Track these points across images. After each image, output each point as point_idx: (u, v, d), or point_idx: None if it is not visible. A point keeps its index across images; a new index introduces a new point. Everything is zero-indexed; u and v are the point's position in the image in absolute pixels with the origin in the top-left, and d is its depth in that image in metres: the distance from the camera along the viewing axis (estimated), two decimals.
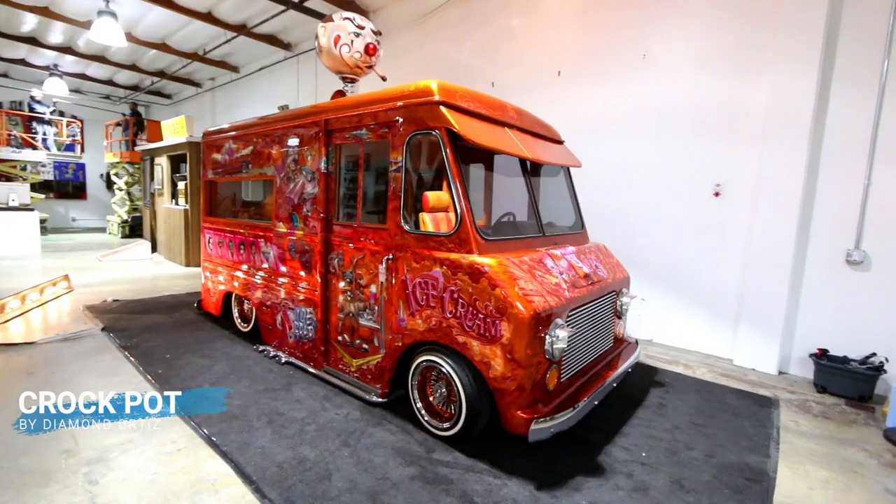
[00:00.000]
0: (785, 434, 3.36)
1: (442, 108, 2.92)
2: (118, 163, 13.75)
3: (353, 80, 5.10)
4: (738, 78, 4.80)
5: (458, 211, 2.84)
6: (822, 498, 2.64)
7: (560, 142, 4.38)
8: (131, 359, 4.17)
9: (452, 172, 2.87)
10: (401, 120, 3.11)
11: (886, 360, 4.03)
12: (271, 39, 10.14)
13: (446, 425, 2.98)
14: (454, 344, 2.85)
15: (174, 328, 5.15)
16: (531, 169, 3.76)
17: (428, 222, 3.09)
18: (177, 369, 3.97)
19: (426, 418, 3.10)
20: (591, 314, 3.29)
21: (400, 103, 3.11)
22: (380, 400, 3.41)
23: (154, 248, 10.86)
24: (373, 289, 3.42)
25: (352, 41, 4.77)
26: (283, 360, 4.20)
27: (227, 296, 5.19)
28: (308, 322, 3.99)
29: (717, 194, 5.04)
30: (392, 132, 3.20)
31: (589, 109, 5.85)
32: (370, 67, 5.07)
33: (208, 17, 9.17)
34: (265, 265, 4.45)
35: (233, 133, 4.88)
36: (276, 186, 4.24)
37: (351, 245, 3.56)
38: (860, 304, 4.28)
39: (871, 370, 4.03)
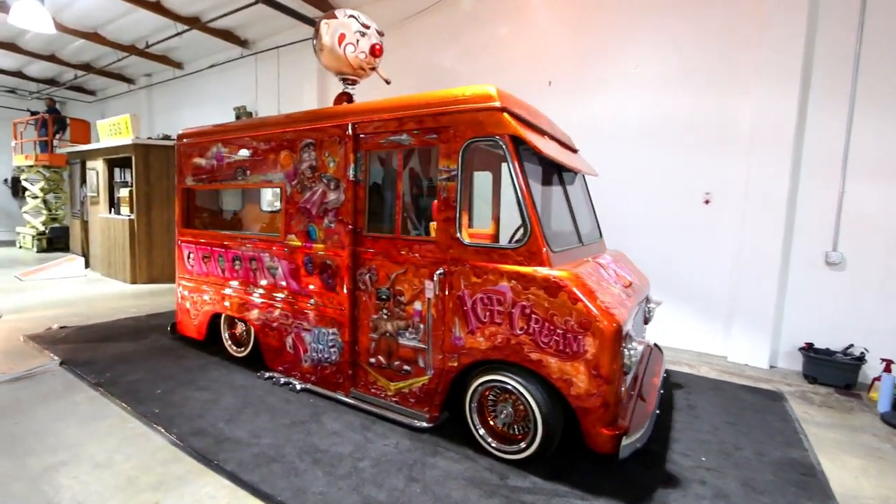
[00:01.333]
0: (806, 426, 3.60)
1: (506, 114, 2.79)
2: (31, 166, 11.94)
3: (354, 82, 4.80)
4: (726, 93, 5.15)
5: (528, 222, 2.72)
6: (868, 486, 2.83)
7: (576, 150, 4.41)
8: (113, 398, 3.54)
9: (520, 182, 2.75)
10: (455, 126, 2.93)
11: (867, 350, 4.49)
12: (227, 35, 9.37)
13: (515, 448, 2.83)
14: (526, 362, 2.71)
15: (151, 357, 4.48)
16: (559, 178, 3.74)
17: (431, 231, 3.04)
18: (176, 406, 3.43)
19: (493, 444, 2.92)
20: (635, 323, 3.31)
21: (455, 108, 2.93)
22: (427, 425, 3.17)
23: (87, 264, 9.52)
24: (417, 306, 3.18)
25: (357, 40, 4.49)
26: (299, 387, 3.79)
27: (215, 317, 4.62)
28: (330, 344, 3.64)
29: (707, 202, 5.37)
30: (442, 138, 3.00)
31: (581, 118, 5.99)
32: (373, 69, 4.80)
33: (156, 7, 8.26)
34: (270, 282, 4.01)
35: (223, 135, 4.36)
36: (287, 195, 3.84)
37: (388, 259, 3.30)
38: (838, 301, 4.74)
39: (855, 360, 4.46)
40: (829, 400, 4.20)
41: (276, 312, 3.99)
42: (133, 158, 7.94)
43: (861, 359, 4.47)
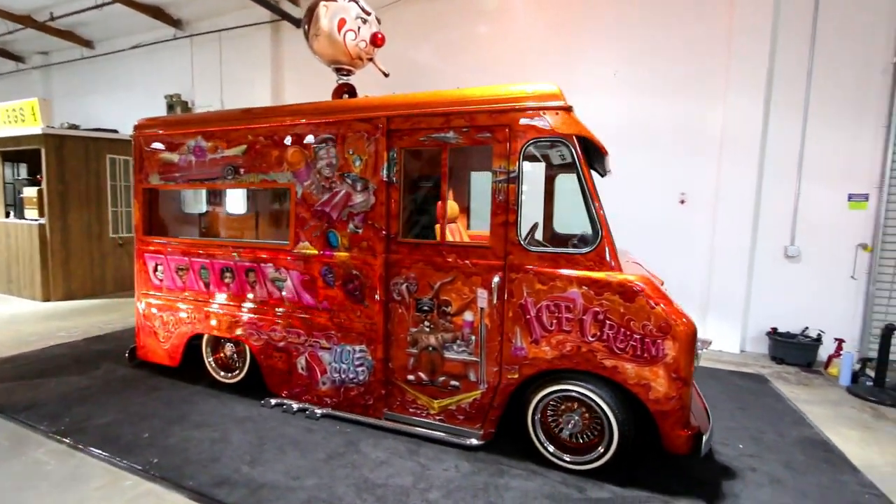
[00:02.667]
0: (799, 405, 3.99)
1: (573, 114, 2.69)
2: None
3: (349, 73, 4.41)
4: (698, 101, 5.55)
5: (598, 226, 2.65)
6: (876, 456, 3.19)
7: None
8: (89, 449, 2.85)
9: (588, 184, 2.66)
10: (514, 125, 2.76)
11: (823, 332, 5.12)
12: (156, 12, 8.17)
13: (586, 458, 2.75)
14: (599, 369, 2.64)
15: (114, 392, 3.71)
16: None
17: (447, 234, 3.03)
18: (178, 452, 2.86)
19: (565, 457, 2.80)
20: None
21: (514, 106, 2.76)
22: (480, 443, 2.98)
23: None
24: (467, 316, 2.97)
25: (358, 27, 4.12)
26: (319, 413, 3.37)
27: (194, 339, 3.96)
28: (358, 362, 3.29)
29: (682, 202, 5.76)
30: (498, 137, 2.82)
31: None
32: (370, 60, 4.45)
33: None
34: (276, 296, 3.52)
35: (203, 126, 3.74)
36: (297, 198, 3.39)
37: (431, 267, 3.04)
38: (796, 289, 5.35)
39: (814, 341, 5.07)
40: (801, 378, 4.71)
41: (283, 330, 3.51)
42: (43, 152, 6.58)
43: (819, 340, 5.08)
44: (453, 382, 3.06)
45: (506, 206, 2.82)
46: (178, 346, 3.98)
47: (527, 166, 2.84)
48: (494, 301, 2.87)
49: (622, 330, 2.59)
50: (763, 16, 5.14)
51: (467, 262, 2.95)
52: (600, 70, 5.95)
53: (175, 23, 8.51)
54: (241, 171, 3.60)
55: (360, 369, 3.30)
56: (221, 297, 3.75)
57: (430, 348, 3.10)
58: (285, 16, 7.46)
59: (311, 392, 3.49)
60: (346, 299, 3.29)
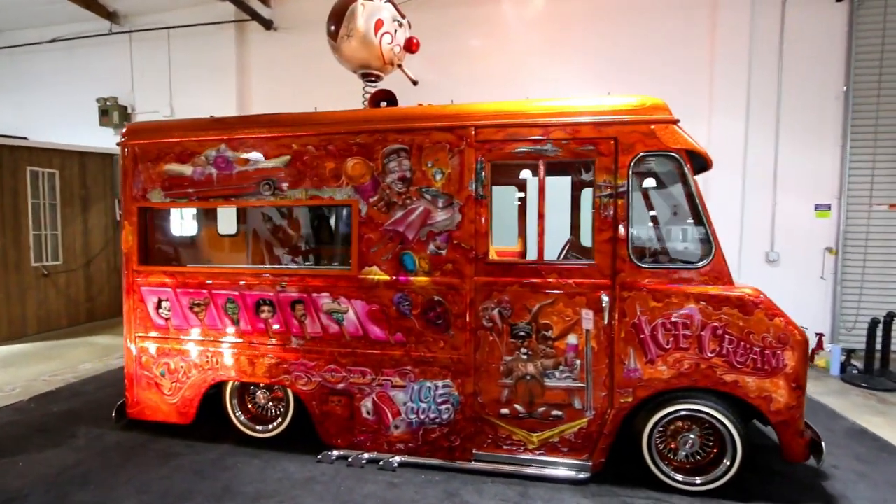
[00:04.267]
0: (819, 398, 4.34)
1: (679, 129, 2.66)
2: None
3: (377, 79, 4.08)
4: (685, 121, 5.95)
5: (711, 241, 2.64)
6: None
7: None
8: None
9: (700, 199, 2.65)
10: (622, 137, 2.67)
11: (806, 328, 5.67)
12: (87, 2, 6.96)
13: (700, 480, 2.68)
14: (719, 385, 2.61)
15: (118, 466, 2.92)
16: None
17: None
18: None
19: (682, 478, 2.70)
20: None
21: (621, 119, 2.67)
22: (588, 475, 2.79)
23: None
24: (571, 339, 2.79)
25: (395, 31, 3.83)
26: (397, 462, 2.94)
27: (213, 387, 3.28)
28: (441, 399, 2.93)
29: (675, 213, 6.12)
30: (602, 150, 2.71)
31: None
32: (399, 66, 4.15)
33: None
34: (334, 331, 3.03)
35: (229, 132, 3.15)
36: (361, 216, 2.97)
37: (528, 289, 2.81)
38: (777, 290, 5.88)
39: None
40: None
41: (343, 370, 3.03)
42: None
43: None
44: (555, 412, 2.84)
45: (613, 222, 2.71)
46: (192, 398, 3.27)
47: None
48: (605, 322, 2.72)
49: (742, 343, 2.58)
50: (741, 44, 5.69)
51: (570, 281, 2.77)
52: (592, 89, 6.16)
53: (110, 15, 7.33)
54: (284, 185, 3.08)
55: (443, 407, 2.94)
56: (257, 336, 3.15)
57: (528, 377, 2.85)
58: (255, 15, 6.79)
59: (379, 439, 3.04)
60: (425, 329, 2.92)
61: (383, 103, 3.79)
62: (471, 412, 2.91)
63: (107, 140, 7.35)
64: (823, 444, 2.60)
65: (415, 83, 4.27)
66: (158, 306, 3.31)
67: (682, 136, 2.66)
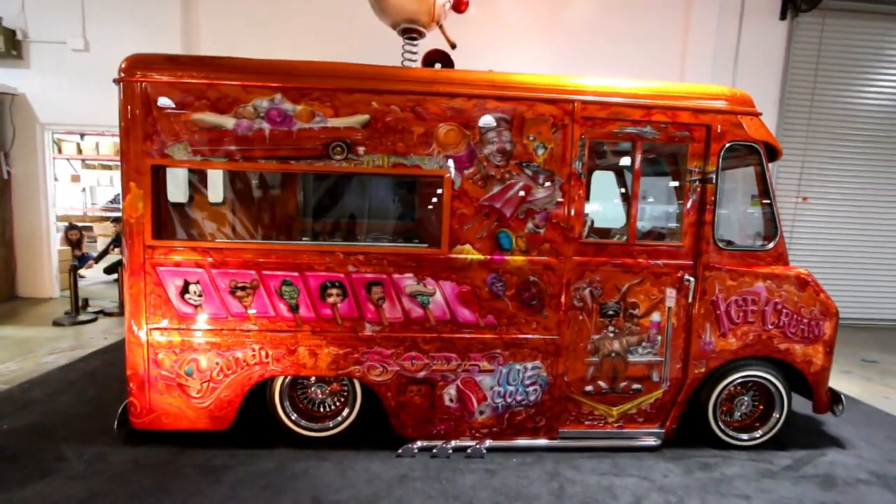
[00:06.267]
0: None
1: (762, 122, 2.88)
2: None
3: (417, 37, 3.74)
4: None
5: (777, 226, 2.95)
6: None
7: None
8: None
9: (773, 189, 2.92)
10: (715, 125, 2.79)
11: None
12: None
13: (760, 433, 3.08)
14: (775, 353, 2.98)
15: (149, 493, 2.32)
16: None
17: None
18: None
19: (742, 436, 3.06)
20: None
21: (716, 107, 2.79)
22: (659, 442, 3.01)
23: None
24: (655, 317, 2.93)
25: None
26: (486, 447, 2.83)
27: (256, 386, 2.77)
28: (529, 381, 2.88)
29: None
30: (695, 136, 2.81)
31: None
32: (440, 26, 3.82)
33: None
34: (418, 314, 2.75)
35: (284, 80, 2.57)
36: (454, 189, 2.70)
37: (619, 269, 2.87)
38: None
39: None
40: None
41: (426, 357, 2.79)
42: None
43: None
44: (635, 386, 2.98)
45: (700, 206, 2.86)
46: (232, 399, 2.73)
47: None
48: (689, 300, 2.90)
49: (795, 316, 2.97)
50: (708, 46, 6.31)
51: (658, 262, 2.89)
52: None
53: None
54: (360, 150, 2.64)
55: (531, 388, 2.89)
56: (321, 323, 2.72)
57: (614, 354, 2.94)
58: None
59: (461, 427, 2.89)
60: (518, 311, 2.81)
61: (437, 65, 3.45)
62: (558, 392, 2.91)
63: None
64: (843, 395, 3.15)
65: (454, 46, 3.95)
66: (184, 290, 2.65)
67: (764, 129, 2.89)
